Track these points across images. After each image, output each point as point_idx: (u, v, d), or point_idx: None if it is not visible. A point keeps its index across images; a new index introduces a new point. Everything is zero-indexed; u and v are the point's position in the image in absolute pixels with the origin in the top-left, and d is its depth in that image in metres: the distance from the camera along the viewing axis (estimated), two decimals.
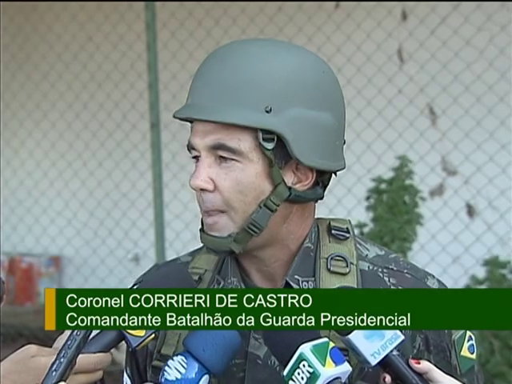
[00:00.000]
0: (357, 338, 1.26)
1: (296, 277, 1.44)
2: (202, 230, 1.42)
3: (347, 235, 1.49)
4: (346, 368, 1.25)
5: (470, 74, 4.56)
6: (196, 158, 1.41)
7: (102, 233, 5.99)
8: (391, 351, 1.27)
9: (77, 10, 6.12)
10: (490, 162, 4.48)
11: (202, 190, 1.38)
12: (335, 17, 4.98)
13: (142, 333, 1.27)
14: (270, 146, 1.37)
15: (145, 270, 1.66)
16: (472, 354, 1.46)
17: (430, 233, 4.54)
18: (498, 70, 4.48)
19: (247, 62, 1.38)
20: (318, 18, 5.06)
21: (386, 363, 1.27)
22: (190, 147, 1.41)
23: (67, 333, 1.31)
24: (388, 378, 1.28)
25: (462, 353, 1.44)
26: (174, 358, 1.32)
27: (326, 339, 1.27)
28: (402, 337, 1.28)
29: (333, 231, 1.48)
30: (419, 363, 1.29)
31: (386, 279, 1.46)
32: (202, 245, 1.56)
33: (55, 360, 1.21)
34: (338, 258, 1.45)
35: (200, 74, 1.41)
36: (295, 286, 1.43)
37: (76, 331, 1.23)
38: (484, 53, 4.50)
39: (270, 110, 1.37)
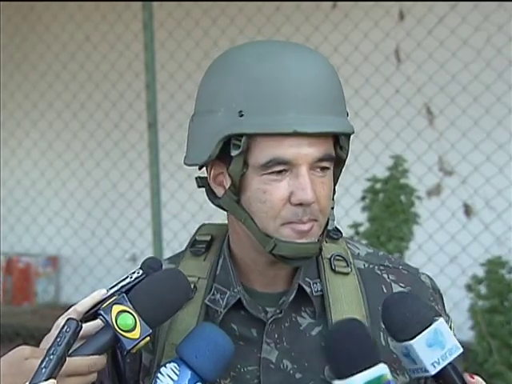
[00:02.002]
0: (419, 344, 1.22)
1: (307, 279, 1.43)
2: (279, 240, 1.37)
3: (340, 234, 1.50)
4: None
5: (467, 74, 4.56)
6: (278, 171, 1.35)
7: (99, 233, 5.99)
8: (450, 363, 1.23)
9: (74, 10, 6.12)
10: (488, 162, 4.48)
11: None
12: (332, 17, 4.98)
13: (136, 335, 1.25)
14: (347, 148, 1.42)
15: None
16: None
17: (428, 233, 4.54)
18: (496, 70, 4.48)
19: (327, 67, 1.40)
20: (316, 17, 5.06)
21: (440, 374, 1.23)
22: (277, 162, 1.35)
23: (55, 332, 1.30)
24: None
25: None
26: (167, 365, 1.31)
27: (381, 370, 1.20)
28: (461, 349, 1.25)
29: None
30: (473, 378, 1.26)
31: (386, 276, 1.47)
32: (178, 251, 1.55)
33: (45, 357, 1.19)
34: (338, 257, 1.46)
35: (288, 80, 1.35)
36: (307, 289, 1.42)
37: (66, 327, 1.21)
38: (481, 53, 4.50)
39: (347, 114, 1.44)
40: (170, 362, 1.32)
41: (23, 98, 6.38)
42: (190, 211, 5.33)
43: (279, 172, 1.35)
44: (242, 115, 1.35)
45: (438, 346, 1.22)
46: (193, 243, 1.52)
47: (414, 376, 1.27)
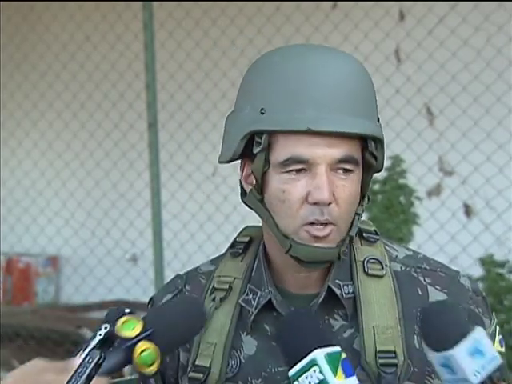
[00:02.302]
0: (460, 353, 1.19)
1: (337, 281, 1.43)
2: (295, 242, 1.38)
3: (377, 237, 1.51)
4: (354, 382, 1.23)
5: (467, 74, 4.56)
6: (297, 170, 1.36)
7: (99, 233, 5.99)
8: (490, 373, 1.20)
9: (74, 10, 6.11)
10: (488, 162, 4.48)
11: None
12: (333, 17, 4.97)
13: (154, 370, 1.23)
14: (376, 154, 1.43)
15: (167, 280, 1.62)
16: (502, 347, 1.46)
17: (428, 233, 4.54)
18: (496, 70, 4.48)
19: (354, 69, 1.40)
20: (316, 18, 5.06)
21: None
22: (295, 160, 1.35)
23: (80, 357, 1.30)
24: None
25: (494, 347, 1.44)
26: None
27: (339, 348, 1.25)
28: (501, 360, 1.22)
29: (364, 234, 1.50)
30: None
31: (421, 279, 1.47)
32: (222, 252, 1.56)
33: None
34: (373, 260, 1.46)
35: (313, 82, 1.35)
36: (337, 291, 1.42)
37: (88, 358, 1.20)
38: (481, 53, 4.50)
39: (378, 120, 1.45)
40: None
41: (23, 97, 6.37)
42: (191, 211, 5.33)
43: (298, 171, 1.36)
44: (263, 112, 1.37)
45: (478, 354, 1.20)
46: (233, 244, 1.55)
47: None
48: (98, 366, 1.21)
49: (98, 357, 1.21)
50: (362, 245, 1.47)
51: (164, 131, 5.08)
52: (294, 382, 1.24)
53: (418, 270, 1.48)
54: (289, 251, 1.38)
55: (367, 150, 1.41)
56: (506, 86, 4.49)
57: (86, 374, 1.19)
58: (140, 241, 5.70)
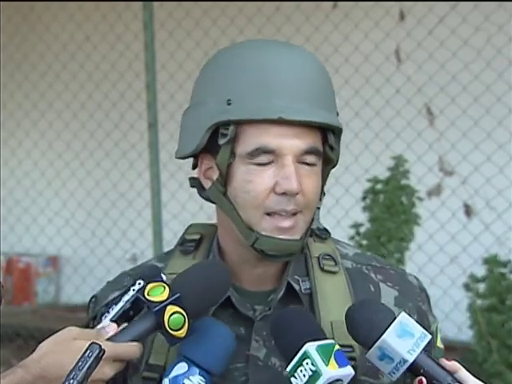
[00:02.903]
0: (391, 337, 1.26)
1: (295, 277, 1.44)
2: (260, 234, 1.38)
3: (328, 234, 1.50)
4: (348, 371, 1.25)
5: (467, 74, 4.56)
6: (263, 161, 1.36)
7: (99, 233, 5.99)
8: (423, 349, 1.27)
9: (74, 10, 6.12)
10: (488, 162, 4.48)
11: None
12: (333, 17, 4.97)
13: (182, 334, 1.27)
14: (336, 147, 1.42)
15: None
16: (441, 344, 1.50)
17: (428, 233, 4.54)
18: (496, 70, 4.48)
19: (315, 64, 1.41)
20: (316, 18, 5.06)
21: (417, 366, 1.27)
22: (262, 151, 1.36)
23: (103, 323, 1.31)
24: (425, 381, 1.26)
25: (437, 344, 1.48)
26: (191, 377, 1.31)
27: (332, 341, 1.28)
28: (430, 336, 1.29)
29: (315, 231, 1.49)
30: (450, 361, 1.29)
31: (373, 275, 1.48)
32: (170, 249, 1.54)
33: (65, 381, 1.19)
34: (326, 256, 1.47)
35: (279, 72, 1.36)
36: (296, 286, 1.43)
37: (88, 352, 1.21)
38: (481, 53, 4.50)
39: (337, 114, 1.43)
40: (178, 363, 1.32)
41: (23, 97, 6.38)
42: (191, 211, 5.32)
43: (265, 162, 1.36)
44: (229, 103, 1.36)
45: (407, 335, 1.27)
46: (182, 242, 1.53)
47: (395, 377, 1.29)
48: (98, 359, 1.21)
49: (97, 350, 1.21)
50: (314, 241, 1.47)
51: (164, 131, 5.07)
52: (291, 377, 1.25)
53: (369, 267, 1.49)
54: (254, 244, 1.38)
55: (327, 143, 1.40)
56: (506, 86, 4.49)
57: (86, 367, 1.20)
58: (140, 241, 5.70)
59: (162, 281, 1.31)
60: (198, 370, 1.31)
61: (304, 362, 1.24)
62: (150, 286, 1.29)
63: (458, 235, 4.57)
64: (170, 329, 1.27)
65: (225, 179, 1.39)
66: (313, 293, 1.43)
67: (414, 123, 4.71)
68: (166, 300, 1.27)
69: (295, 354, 1.25)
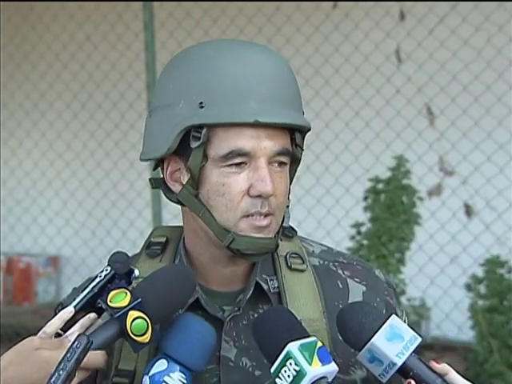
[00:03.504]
0: (380, 340, 1.27)
1: (264, 276, 1.44)
2: (236, 234, 1.38)
3: (294, 232, 1.50)
4: (332, 368, 1.25)
5: (467, 74, 4.56)
6: (237, 163, 1.36)
7: (99, 233, 5.99)
8: (413, 352, 1.28)
9: (75, 10, 6.12)
10: (488, 162, 4.48)
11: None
12: (333, 17, 4.97)
13: (146, 339, 1.27)
14: (302, 147, 1.43)
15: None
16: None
17: (428, 233, 4.54)
18: (496, 70, 4.48)
19: (283, 64, 1.41)
20: (316, 17, 5.06)
21: (407, 369, 1.27)
22: (236, 153, 1.35)
23: (59, 316, 1.31)
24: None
25: None
26: (171, 374, 1.30)
27: (314, 338, 1.27)
28: (420, 338, 1.29)
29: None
30: (439, 364, 1.29)
31: (341, 272, 1.48)
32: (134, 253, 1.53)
33: (54, 372, 1.18)
34: (294, 255, 1.47)
35: (250, 74, 1.36)
36: (264, 286, 1.43)
37: (76, 343, 1.20)
38: (482, 53, 4.50)
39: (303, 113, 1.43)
40: (158, 360, 1.32)
41: (24, 97, 6.38)
42: None
43: (238, 165, 1.36)
44: (202, 106, 1.35)
45: (397, 338, 1.27)
46: (148, 245, 1.54)
47: (385, 379, 1.30)
48: (86, 350, 1.21)
49: (85, 341, 1.21)
50: (281, 240, 1.46)
51: None
52: (275, 378, 1.25)
53: (336, 263, 1.49)
54: (230, 244, 1.37)
55: (294, 143, 1.40)
56: (506, 86, 4.49)
57: (74, 358, 1.19)
58: (141, 241, 5.60)
59: (124, 287, 1.31)
60: (178, 367, 1.30)
61: (287, 363, 1.23)
62: (112, 292, 1.28)
63: (458, 235, 4.57)
64: (134, 334, 1.26)
65: (196, 182, 1.38)
66: (281, 292, 1.43)
67: (414, 123, 4.71)
68: (127, 305, 1.26)
69: (278, 355, 1.25)
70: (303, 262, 1.46)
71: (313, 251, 1.50)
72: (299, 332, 1.28)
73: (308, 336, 1.27)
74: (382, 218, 3.96)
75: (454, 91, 4.61)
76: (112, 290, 1.29)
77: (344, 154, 4.77)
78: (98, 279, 1.36)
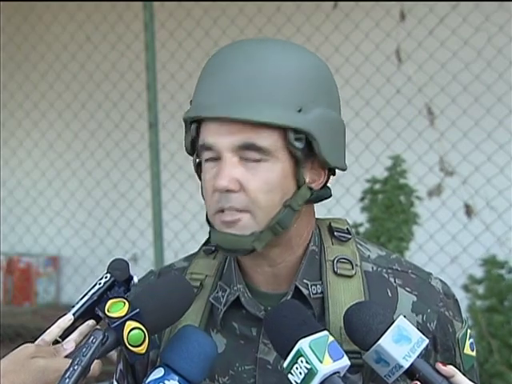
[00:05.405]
0: (387, 342, 1.26)
1: (305, 281, 1.42)
2: (213, 228, 1.39)
3: (349, 236, 1.49)
4: (344, 363, 1.25)
5: (468, 74, 4.56)
6: (211, 159, 1.37)
7: (100, 233, 5.99)
8: (420, 354, 1.27)
9: (75, 10, 6.11)
10: (488, 162, 4.48)
11: (227, 190, 1.35)
12: (333, 17, 4.97)
13: (143, 350, 1.27)
14: (300, 145, 1.36)
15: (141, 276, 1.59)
16: (473, 351, 1.47)
17: (428, 233, 4.54)
18: (496, 70, 4.48)
19: (275, 59, 1.37)
20: (316, 18, 5.06)
21: (413, 371, 1.27)
22: (205, 148, 1.37)
23: (58, 324, 1.30)
24: None
25: (465, 351, 1.45)
26: (166, 382, 1.31)
27: (325, 333, 1.26)
28: (427, 340, 1.29)
29: (335, 233, 1.48)
30: (446, 366, 1.29)
31: (392, 280, 1.46)
32: (196, 249, 1.56)
33: (69, 367, 1.19)
34: (343, 260, 1.44)
35: (219, 71, 1.37)
36: (304, 291, 1.41)
37: (92, 338, 1.21)
38: (482, 53, 4.50)
39: (301, 109, 1.36)
40: (156, 368, 1.32)
41: (24, 97, 6.37)
42: (191, 211, 5.33)
43: (213, 160, 1.37)
44: (190, 102, 1.43)
45: (404, 340, 1.27)
46: (206, 242, 1.54)
47: (390, 380, 1.29)
48: (101, 345, 1.22)
49: (101, 336, 1.22)
50: (333, 244, 1.45)
51: (165, 131, 5.08)
52: (288, 373, 1.25)
53: (390, 270, 1.46)
54: (210, 239, 1.41)
55: (287, 141, 1.36)
56: (506, 86, 4.49)
57: (89, 353, 1.21)
58: (141, 241, 5.70)
59: (123, 296, 1.31)
60: (176, 377, 1.30)
61: (298, 360, 1.23)
62: (110, 301, 1.28)
63: (458, 235, 4.57)
64: (130, 345, 1.26)
65: (200, 179, 1.44)
66: (324, 297, 1.41)
67: (414, 123, 4.71)
68: (124, 316, 1.26)
69: (290, 351, 1.25)
70: (352, 268, 1.43)
71: (368, 256, 1.48)
72: (310, 327, 1.27)
73: (320, 330, 1.26)
74: (380, 219, 3.96)
75: (454, 91, 4.61)
76: (111, 298, 1.29)
77: None
78: (97, 286, 1.36)
